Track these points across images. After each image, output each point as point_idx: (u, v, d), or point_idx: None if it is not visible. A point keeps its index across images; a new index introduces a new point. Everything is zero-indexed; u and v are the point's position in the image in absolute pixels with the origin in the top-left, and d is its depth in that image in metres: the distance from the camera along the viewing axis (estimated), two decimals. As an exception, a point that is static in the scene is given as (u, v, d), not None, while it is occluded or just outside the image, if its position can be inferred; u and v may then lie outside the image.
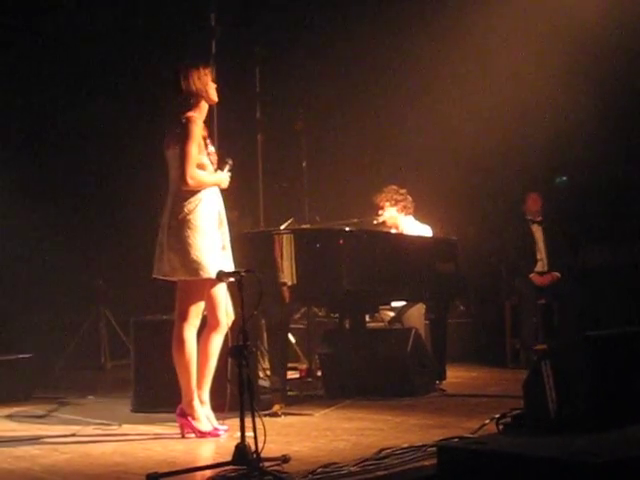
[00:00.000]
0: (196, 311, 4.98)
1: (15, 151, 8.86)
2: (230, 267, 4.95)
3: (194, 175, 4.92)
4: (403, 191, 7.37)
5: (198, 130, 4.97)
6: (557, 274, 8.07)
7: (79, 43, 8.78)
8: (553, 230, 8.23)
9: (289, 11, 9.32)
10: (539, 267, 8.16)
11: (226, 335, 5.01)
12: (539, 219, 8.25)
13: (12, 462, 4.29)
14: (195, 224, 4.90)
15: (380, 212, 7.32)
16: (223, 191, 5.12)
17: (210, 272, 4.82)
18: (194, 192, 4.95)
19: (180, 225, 4.91)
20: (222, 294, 5.02)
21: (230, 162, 5.15)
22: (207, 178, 5.01)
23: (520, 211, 8.33)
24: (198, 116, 5.02)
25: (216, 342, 5.02)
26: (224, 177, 5.10)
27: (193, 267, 4.86)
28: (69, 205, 9.25)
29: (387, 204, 7.32)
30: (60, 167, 9.22)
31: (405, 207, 7.36)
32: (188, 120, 4.95)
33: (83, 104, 9.00)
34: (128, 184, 9.10)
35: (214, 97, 5.12)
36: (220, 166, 5.11)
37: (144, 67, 8.88)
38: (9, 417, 5.89)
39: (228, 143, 5.37)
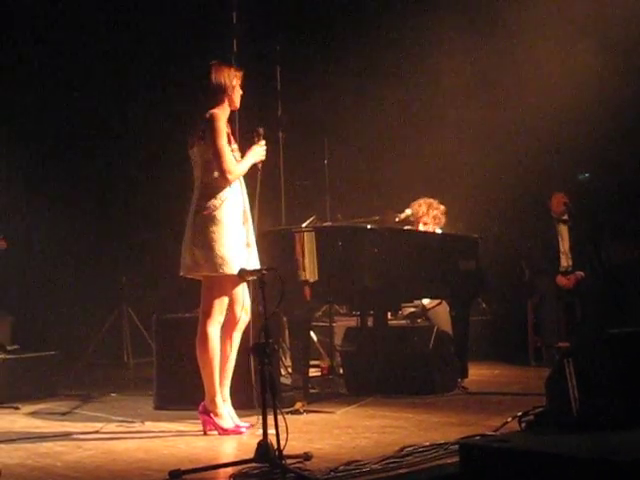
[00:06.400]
0: (220, 308, 4.98)
1: (45, 154, 8.94)
2: (255, 264, 4.96)
3: (232, 169, 4.93)
4: (442, 208, 7.41)
5: (223, 125, 4.97)
6: (581, 273, 8.05)
7: (95, 46, 8.84)
8: (577, 227, 8.20)
9: (310, 8, 9.31)
10: (563, 263, 8.13)
11: (247, 332, 5.03)
12: (564, 218, 8.22)
13: (36, 458, 4.32)
14: (220, 220, 4.91)
15: (421, 227, 7.34)
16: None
17: (234, 268, 4.81)
18: (220, 188, 4.95)
19: (205, 221, 4.92)
20: (240, 290, 5.03)
21: (261, 131, 5.11)
22: (243, 165, 5.01)
23: (545, 209, 8.30)
24: (221, 113, 5.02)
25: (235, 339, 5.04)
26: (258, 150, 5.07)
27: (217, 262, 4.86)
28: (94, 204, 9.31)
29: (428, 221, 7.36)
30: (86, 167, 9.27)
31: (438, 220, 7.41)
32: (212, 117, 4.96)
33: (106, 105, 9.04)
34: (152, 183, 9.14)
35: (236, 101, 5.11)
36: (251, 139, 5.08)
37: (164, 67, 8.90)
38: (33, 414, 5.94)
39: (250, 141, 5.36)
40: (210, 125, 4.94)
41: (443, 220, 7.45)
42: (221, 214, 4.93)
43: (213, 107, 5.02)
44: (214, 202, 4.94)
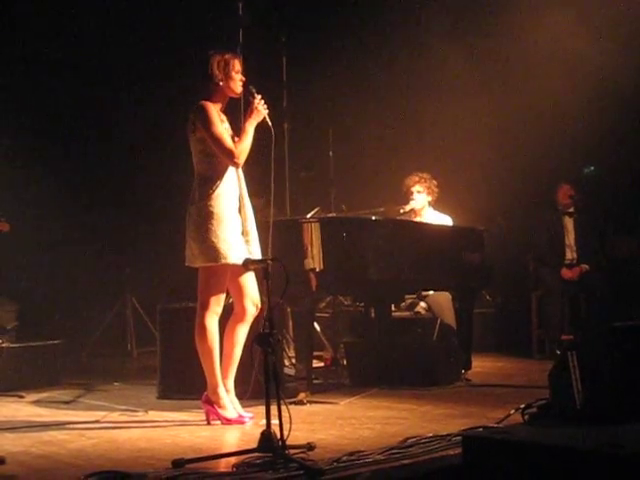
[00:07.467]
0: (217, 299, 4.95)
1: (50, 140, 8.95)
2: (255, 251, 4.95)
3: (235, 151, 4.89)
4: (435, 182, 7.37)
5: (213, 113, 4.92)
6: (586, 266, 8.04)
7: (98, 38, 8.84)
8: (583, 221, 8.19)
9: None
10: (568, 256, 8.13)
11: (253, 324, 5.02)
12: (570, 210, 8.21)
13: (40, 447, 4.32)
14: (213, 211, 4.87)
15: (412, 197, 7.29)
16: (246, 173, 5.08)
17: (230, 258, 4.81)
18: (213, 178, 4.92)
19: (198, 212, 4.90)
20: (249, 282, 5.01)
21: (252, 88, 5.02)
22: (246, 140, 4.94)
23: (551, 201, 8.30)
24: (211, 102, 4.97)
25: (242, 331, 5.01)
26: (257, 109, 4.98)
27: (212, 254, 4.84)
28: (98, 194, 9.32)
29: (424, 190, 7.29)
30: (90, 157, 9.28)
31: (435, 200, 7.37)
32: (200, 107, 4.92)
33: (109, 94, 9.04)
34: (156, 173, 9.14)
35: (235, 88, 5.02)
36: (247, 98, 5.02)
37: (168, 59, 8.90)
38: (37, 402, 5.94)
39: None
40: (199, 116, 4.91)
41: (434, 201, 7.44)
42: (213, 204, 4.89)
43: (205, 97, 4.99)
44: (207, 193, 4.90)
